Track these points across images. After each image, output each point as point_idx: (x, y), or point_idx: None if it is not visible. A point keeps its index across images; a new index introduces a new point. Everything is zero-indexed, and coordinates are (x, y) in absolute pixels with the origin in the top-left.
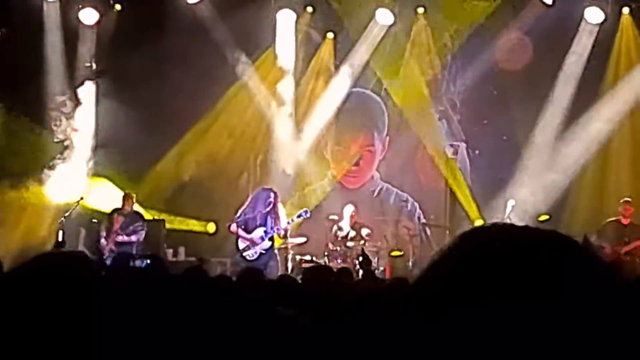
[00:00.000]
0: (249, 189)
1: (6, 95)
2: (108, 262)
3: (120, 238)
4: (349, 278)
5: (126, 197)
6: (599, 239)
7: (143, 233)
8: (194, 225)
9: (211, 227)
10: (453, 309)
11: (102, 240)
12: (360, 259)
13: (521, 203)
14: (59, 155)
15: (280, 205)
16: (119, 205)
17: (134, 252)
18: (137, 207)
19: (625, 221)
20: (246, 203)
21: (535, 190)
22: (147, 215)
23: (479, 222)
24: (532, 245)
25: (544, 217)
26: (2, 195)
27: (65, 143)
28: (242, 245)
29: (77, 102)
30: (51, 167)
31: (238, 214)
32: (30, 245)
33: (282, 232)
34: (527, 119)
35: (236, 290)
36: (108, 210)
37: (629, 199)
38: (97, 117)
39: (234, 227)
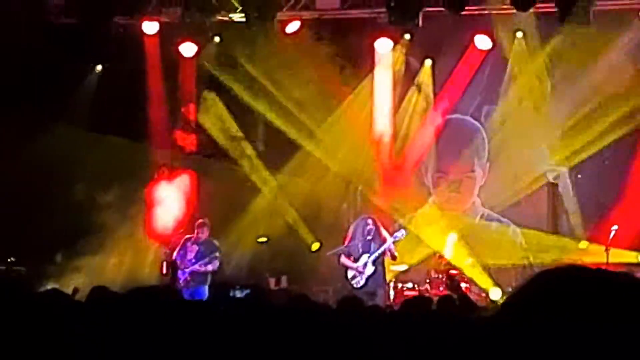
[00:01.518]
0: (349, 218)
1: (111, 126)
2: (185, 293)
3: (196, 268)
4: (451, 307)
5: (200, 225)
6: None
7: (217, 262)
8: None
9: (315, 245)
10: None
11: (178, 271)
12: (449, 282)
13: (624, 228)
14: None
15: (382, 229)
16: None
17: (208, 282)
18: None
19: None
20: (349, 234)
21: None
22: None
23: (583, 245)
24: (602, 291)
25: None
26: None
27: None
28: (350, 274)
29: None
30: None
31: (344, 246)
32: (136, 275)
33: (389, 254)
34: (629, 142)
35: (336, 320)
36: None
37: None
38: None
39: (342, 259)
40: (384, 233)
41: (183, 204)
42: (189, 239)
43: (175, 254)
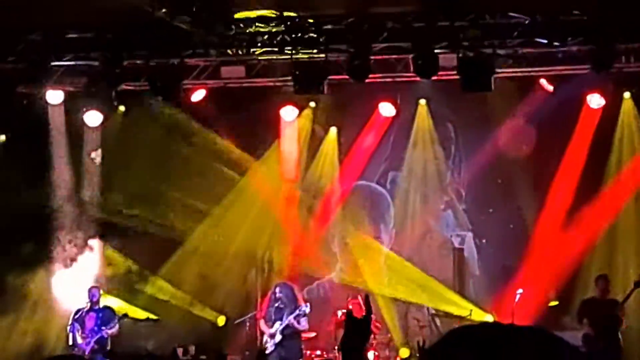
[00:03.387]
0: (257, 285)
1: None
2: None
3: (103, 334)
4: None
5: (92, 290)
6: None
7: (117, 326)
8: (207, 314)
9: (221, 320)
10: None
11: (79, 340)
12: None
13: (530, 290)
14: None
15: (297, 294)
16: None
17: (108, 347)
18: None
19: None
20: (266, 300)
21: (544, 277)
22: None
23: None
24: (516, 345)
25: (553, 303)
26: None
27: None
28: (264, 339)
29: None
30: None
31: (263, 311)
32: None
33: (298, 326)
34: (533, 206)
35: None
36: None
37: (605, 274)
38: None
39: (261, 324)
40: (298, 297)
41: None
42: (81, 309)
43: (71, 326)
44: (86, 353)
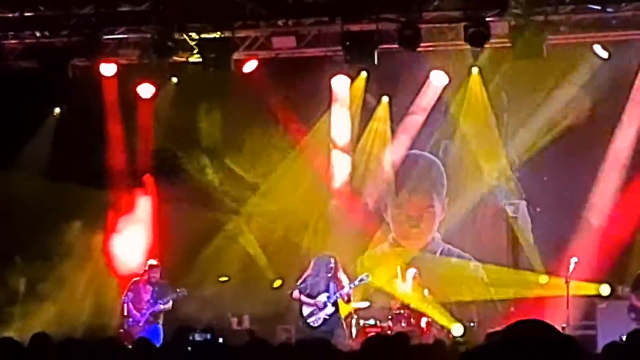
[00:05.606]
0: (309, 255)
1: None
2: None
3: (158, 307)
4: (406, 342)
5: (152, 267)
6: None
7: (171, 302)
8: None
9: (277, 282)
10: None
11: (134, 311)
12: None
13: (584, 260)
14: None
15: (341, 271)
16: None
17: (162, 322)
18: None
19: None
20: (308, 270)
21: (598, 247)
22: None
23: (543, 280)
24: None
25: (605, 292)
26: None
27: None
28: (306, 311)
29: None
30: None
31: (300, 281)
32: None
33: (346, 298)
34: (588, 174)
35: None
36: None
37: None
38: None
39: (296, 293)
40: (342, 275)
41: (144, 240)
42: (138, 281)
43: (125, 297)
44: (140, 324)
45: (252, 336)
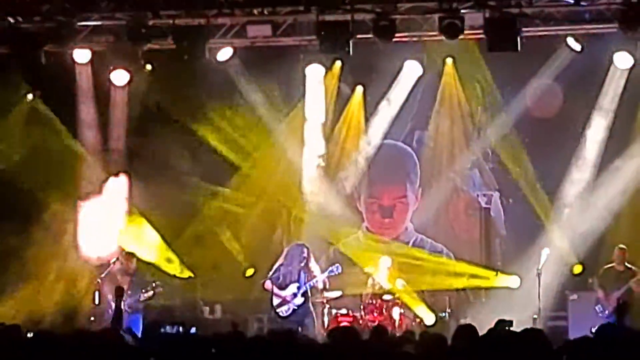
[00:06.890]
0: (283, 244)
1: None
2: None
3: (138, 297)
4: (384, 336)
5: (128, 256)
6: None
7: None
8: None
9: (249, 271)
10: None
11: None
12: None
13: (556, 251)
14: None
15: (313, 260)
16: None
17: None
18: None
19: (619, 267)
20: (280, 259)
21: (570, 238)
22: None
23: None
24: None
25: (578, 270)
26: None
27: None
28: (275, 301)
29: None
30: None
31: (272, 271)
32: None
33: (321, 286)
34: (561, 166)
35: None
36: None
37: (622, 246)
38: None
39: (268, 284)
40: (313, 265)
41: (116, 225)
42: (114, 270)
43: (103, 286)
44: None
45: (234, 327)
